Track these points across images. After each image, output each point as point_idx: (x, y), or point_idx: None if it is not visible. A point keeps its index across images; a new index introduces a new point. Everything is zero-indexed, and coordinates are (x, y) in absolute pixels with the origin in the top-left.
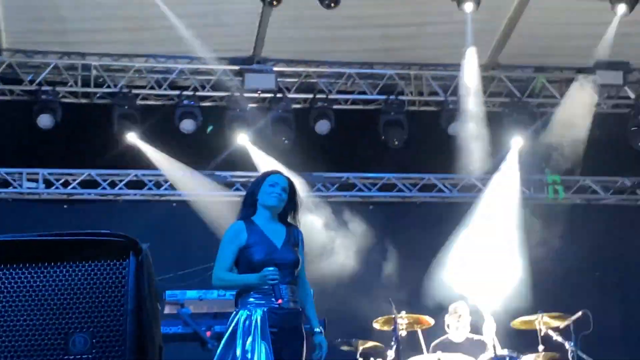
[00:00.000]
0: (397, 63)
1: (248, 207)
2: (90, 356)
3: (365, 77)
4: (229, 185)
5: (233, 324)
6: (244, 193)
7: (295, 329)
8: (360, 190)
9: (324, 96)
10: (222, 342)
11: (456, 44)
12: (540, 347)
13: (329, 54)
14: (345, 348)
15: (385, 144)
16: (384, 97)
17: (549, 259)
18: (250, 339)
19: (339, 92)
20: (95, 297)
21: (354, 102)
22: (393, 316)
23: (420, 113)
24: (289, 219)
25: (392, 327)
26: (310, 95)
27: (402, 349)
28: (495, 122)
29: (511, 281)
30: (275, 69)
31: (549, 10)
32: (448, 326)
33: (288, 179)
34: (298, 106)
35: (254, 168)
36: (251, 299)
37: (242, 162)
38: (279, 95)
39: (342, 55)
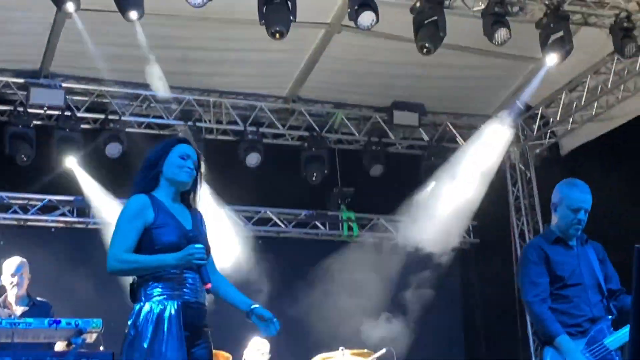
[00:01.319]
0: (196, 88)
1: (148, 179)
2: None
3: (162, 101)
4: (5, 207)
5: (141, 320)
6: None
7: (205, 327)
8: None
9: (116, 117)
10: (126, 345)
11: (258, 73)
12: None
13: (123, 73)
14: None
15: None
16: (181, 122)
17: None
18: (162, 336)
19: (133, 114)
20: None
21: (148, 125)
22: None
23: (218, 142)
24: (191, 201)
25: None
26: (102, 116)
27: None
28: (295, 156)
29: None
30: (64, 85)
31: (352, 46)
32: None
33: (197, 151)
34: (87, 126)
35: (31, 189)
36: (159, 289)
37: (22, 183)
38: (67, 113)
39: (137, 76)
